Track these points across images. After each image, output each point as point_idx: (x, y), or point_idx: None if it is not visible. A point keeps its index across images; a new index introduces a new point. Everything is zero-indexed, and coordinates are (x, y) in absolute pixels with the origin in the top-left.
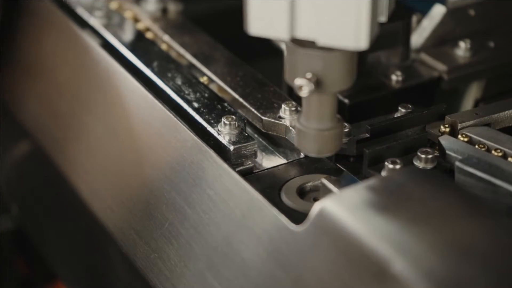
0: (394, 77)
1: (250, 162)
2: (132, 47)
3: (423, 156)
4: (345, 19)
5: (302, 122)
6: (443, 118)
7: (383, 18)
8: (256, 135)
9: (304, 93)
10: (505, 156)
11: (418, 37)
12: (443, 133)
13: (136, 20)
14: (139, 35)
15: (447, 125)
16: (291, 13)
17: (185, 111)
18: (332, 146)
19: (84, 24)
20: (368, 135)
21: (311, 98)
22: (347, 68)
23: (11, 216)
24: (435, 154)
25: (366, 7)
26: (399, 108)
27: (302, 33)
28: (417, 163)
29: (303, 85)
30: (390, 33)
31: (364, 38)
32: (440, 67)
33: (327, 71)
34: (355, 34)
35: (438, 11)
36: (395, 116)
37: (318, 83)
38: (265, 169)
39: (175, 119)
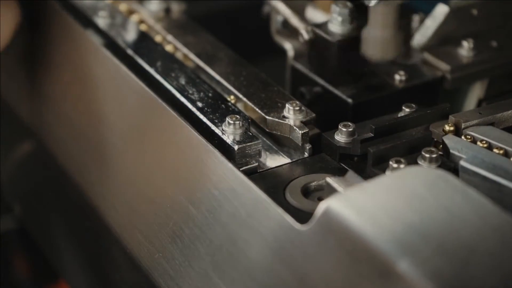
0: (397, 77)
1: (254, 162)
2: (135, 47)
3: (427, 155)
4: None
5: (369, 30)
6: (447, 118)
7: None
8: (260, 135)
9: (373, 2)
10: (507, 155)
11: (421, 37)
12: (447, 133)
13: (139, 20)
14: (143, 35)
15: (451, 125)
16: None
17: (189, 110)
18: (394, 51)
19: (87, 23)
20: (372, 135)
21: (377, 8)
22: None
23: (14, 215)
24: (439, 153)
25: None
26: (403, 107)
27: None
28: (421, 162)
29: None
30: None
31: None
32: (443, 66)
33: None
34: None
35: (441, 11)
36: (399, 115)
37: None
38: (270, 169)
39: (179, 118)
